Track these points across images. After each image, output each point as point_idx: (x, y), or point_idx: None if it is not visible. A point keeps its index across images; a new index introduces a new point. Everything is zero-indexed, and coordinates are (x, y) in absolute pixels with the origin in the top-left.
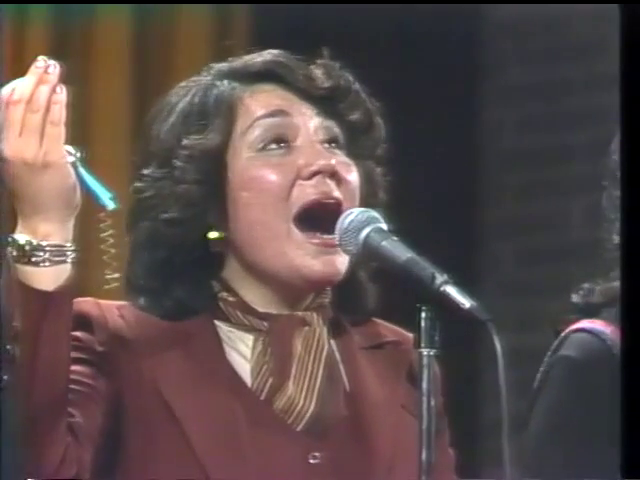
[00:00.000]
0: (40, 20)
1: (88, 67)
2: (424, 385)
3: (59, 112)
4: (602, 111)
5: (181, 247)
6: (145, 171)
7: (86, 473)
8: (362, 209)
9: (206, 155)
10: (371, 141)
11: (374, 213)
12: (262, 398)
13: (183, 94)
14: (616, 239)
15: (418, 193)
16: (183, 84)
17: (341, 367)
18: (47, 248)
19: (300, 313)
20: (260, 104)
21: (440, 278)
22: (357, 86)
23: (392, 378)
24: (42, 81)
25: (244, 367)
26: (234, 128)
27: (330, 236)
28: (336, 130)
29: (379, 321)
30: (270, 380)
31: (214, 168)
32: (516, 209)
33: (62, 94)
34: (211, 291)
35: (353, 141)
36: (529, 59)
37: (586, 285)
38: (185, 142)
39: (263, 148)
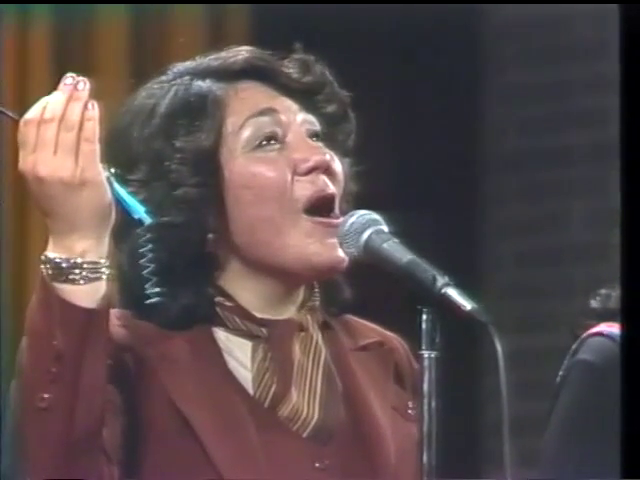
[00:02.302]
0: (40, 21)
1: (88, 67)
2: (425, 387)
3: (93, 129)
4: (604, 112)
5: (182, 251)
6: (132, 176)
7: None
8: (364, 211)
9: (200, 156)
10: (344, 133)
11: (375, 215)
12: (266, 406)
13: (161, 95)
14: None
15: (419, 195)
16: (155, 86)
17: (334, 371)
18: (84, 266)
19: (296, 317)
20: (247, 103)
21: (441, 280)
22: (331, 78)
23: (381, 380)
24: (73, 98)
25: (244, 375)
26: (224, 128)
27: (332, 219)
28: (316, 123)
29: (358, 319)
30: (273, 388)
31: (210, 169)
32: (517, 211)
33: (94, 110)
34: (210, 296)
35: (329, 133)
36: (531, 60)
37: (603, 290)
38: (177, 144)
39: (258, 146)
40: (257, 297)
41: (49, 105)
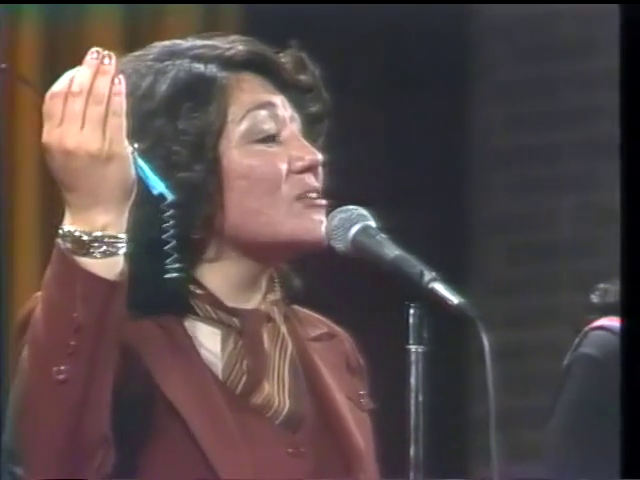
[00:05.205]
0: (31, 20)
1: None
2: (412, 381)
3: (120, 103)
4: (591, 110)
5: (171, 232)
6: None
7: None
8: (352, 207)
9: (203, 140)
10: (318, 134)
11: (363, 211)
12: (237, 393)
13: (157, 73)
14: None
15: (408, 191)
16: (149, 63)
17: (298, 361)
18: (105, 240)
19: (263, 308)
20: (248, 94)
21: (428, 275)
22: (320, 78)
23: (336, 369)
24: (100, 72)
25: (214, 363)
26: (227, 116)
27: (318, 200)
28: (300, 121)
29: (304, 310)
30: (244, 378)
31: (210, 154)
32: (505, 207)
33: (121, 85)
34: (184, 283)
35: (307, 131)
36: (519, 58)
37: (602, 285)
38: (180, 126)
39: (256, 139)
40: (225, 283)
41: (76, 78)
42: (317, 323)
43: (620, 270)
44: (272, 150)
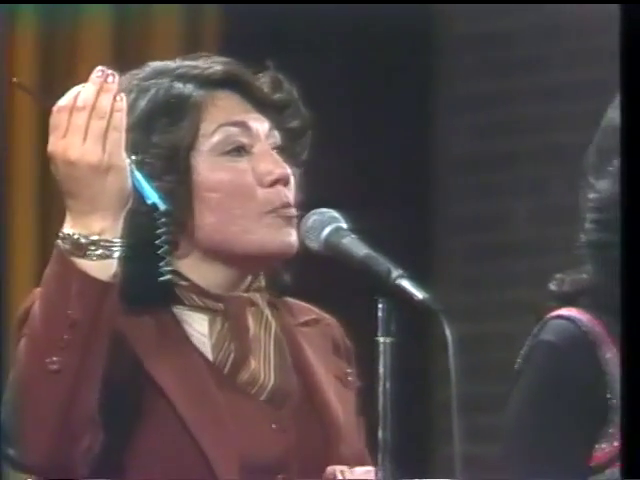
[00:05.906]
0: (26, 21)
1: (72, 67)
2: (380, 370)
3: (120, 119)
4: (545, 120)
5: (147, 238)
6: None
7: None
8: (324, 210)
9: (174, 153)
10: (301, 147)
11: (335, 213)
12: (225, 372)
13: (140, 91)
14: (583, 237)
15: (376, 195)
16: (134, 81)
17: (284, 343)
18: (101, 243)
19: (246, 294)
20: (222, 111)
21: (395, 272)
22: (297, 96)
23: (323, 352)
24: (103, 90)
25: (204, 344)
26: (199, 130)
27: (288, 210)
28: (278, 137)
29: (295, 300)
30: (232, 356)
31: (181, 167)
32: (466, 209)
33: (122, 102)
34: (168, 279)
35: (288, 147)
36: (482, 70)
37: (558, 275)
38: (154, 139)
39: (226, 153)
40: (211, 280)
41: (81, 94)
42: (306, 311)
43: (620, 270)
44: (240, 166)
